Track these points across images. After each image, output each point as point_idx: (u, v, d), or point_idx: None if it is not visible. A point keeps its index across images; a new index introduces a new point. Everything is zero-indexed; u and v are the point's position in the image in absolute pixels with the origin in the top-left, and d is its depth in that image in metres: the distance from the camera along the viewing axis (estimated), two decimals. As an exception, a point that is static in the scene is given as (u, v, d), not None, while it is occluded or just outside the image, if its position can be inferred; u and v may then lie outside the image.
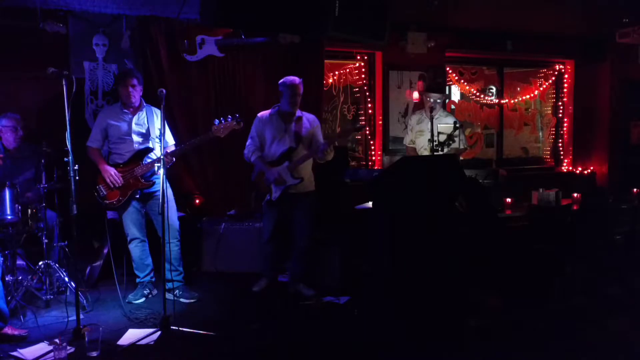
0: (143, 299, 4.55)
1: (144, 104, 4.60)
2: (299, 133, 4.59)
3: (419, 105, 6.40)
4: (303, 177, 4.54)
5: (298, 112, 4.64)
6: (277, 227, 4.72)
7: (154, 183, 4.46)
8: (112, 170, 4.39)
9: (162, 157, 4.03)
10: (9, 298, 4.03)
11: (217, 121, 4.32)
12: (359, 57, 6.68)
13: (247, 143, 4.68)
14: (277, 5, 4.24)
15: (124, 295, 4.45)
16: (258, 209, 5.06)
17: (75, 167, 3.74)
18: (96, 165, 4.45)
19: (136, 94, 4.49)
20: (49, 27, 5.07)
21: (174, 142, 4.68)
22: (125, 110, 4.53)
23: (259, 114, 4.72)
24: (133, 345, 3.60)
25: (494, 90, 7.81)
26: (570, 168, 8.10)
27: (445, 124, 5.20)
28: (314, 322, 4.11)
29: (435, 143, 4.92)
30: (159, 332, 3.77)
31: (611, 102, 7.91)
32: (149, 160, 4.44)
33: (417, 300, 3.75)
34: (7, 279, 4.08)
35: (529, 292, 4.38)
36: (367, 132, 6.82)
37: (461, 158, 5.56)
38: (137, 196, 4.49)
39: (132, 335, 3.78)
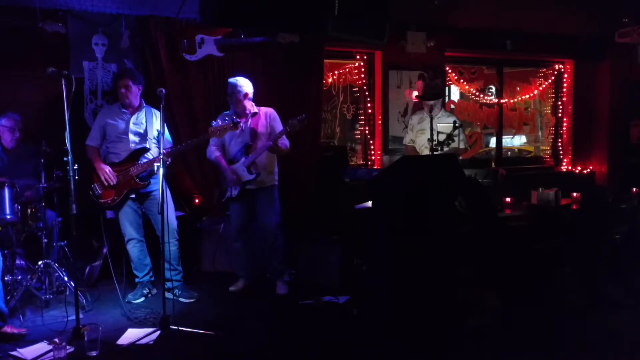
0: (142, 299, 4.56)
1: (144, 105, 4.59)
2: (255, 129, 4.67)
3: (420, 105, 6.40)
4: (259, 171, 4.61)
5: (254, 109, 4.74)
6: (244, 224, 4.79)
7: (149, 183, 4.45)
8: (107, 168, 4.39)
9: (161, 156, 4.02)
10: (8, 298, 4.03)
11: (214, 122, 4.35)
12: (358, 57, 6.68)
13: (208, 147, 4.79)
14: (277, 5, 4.24)
15: (123, 294, 4.44)
16: (220, 206, 5.15)
17: (75, 167, 3.74)
18: (92, 164, 4.45)
19: (130, 95, 4.47)
20: (48, 27, 5.07)
21: (170, 145, 4.65)
22: (124, 110, 4.53)
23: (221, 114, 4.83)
24: (132, 345, 3.61)
25: (493, 89, 7.81)
26: (570, 167, 8.10)
27: (445, 123, 5.21)
28: (313, 322, 4.11)
29: (434, 142, 4.92)
30: (158, 332, 3.78)
31: (611, 101, 7.90)
32: (144, 160, 4.43)
33: (417, 300, 3.74)
34: (6, 278, 4.08)
35: (528, 291, 4.38)
36: (367, 131, 6.82)
37: (461, 158, 5.55)
38: (133, 196, 4.48)
39: (131, 334, 3.78)
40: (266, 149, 4.57)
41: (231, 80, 4.72)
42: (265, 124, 4.72)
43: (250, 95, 4.71)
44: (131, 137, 4.49)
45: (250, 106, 4.74)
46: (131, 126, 4.50)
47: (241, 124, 4.62)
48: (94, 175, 4.43)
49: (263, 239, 4.80)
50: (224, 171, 4.65)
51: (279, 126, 4.72)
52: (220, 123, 4.40)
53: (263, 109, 4.80)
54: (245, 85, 4.67)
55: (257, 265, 4.94)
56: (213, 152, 4.74)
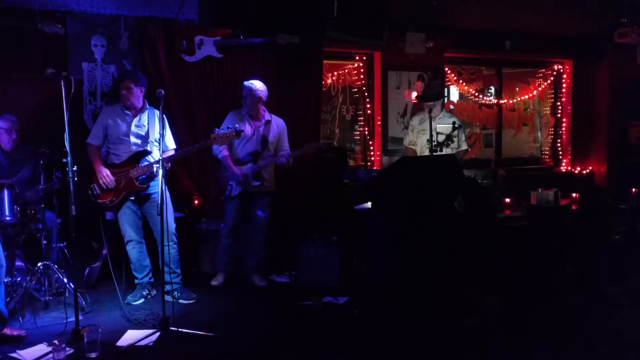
0: (142, 300, 4.55)
1: (147, 107, 4.56)
2: (266, 137, 4.82)
3: (420, 106, 6.40)
4: (264, 180, 4.78)
5: (267, 116, 4.88)
6: (237, 222, 4.91)
7: (148, 186, 4.44)
8: (106, 172, 4.36)
9: (161, 158, 4.00)
10: (8, 299, 4.02)
11: (216, 130, 4.34)
12: (357, 58, 6.68)
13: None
14: (276, 6, 4.25)
15: (123, 296, 4.44)
16: (217, 203, 5.19)
17: (74, 168, 3.72)
18: (92, 164, 4.43)
19: (132, 97, 4.45)
20: (47, 28, 5.06)
21: (174, 147, 4.63)
22: (127, 112, 4.51)
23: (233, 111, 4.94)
24: (132, 347, 3.60)
25: (492, 90, 7.81)
26: (569, 168, 8.11)
27: (447, 124, 5.22)
28: (313, 322, 4.11)
29: (434, 143, 4.92)
30: (158, 333, 3.77)
31: (610, 102, 7.92)
32: (145, 163, 4.42)
33: (416, 300, 3.74)
34: (5, 280, 4.07)
35: (528, 291, 4.38)
36: (366, 132, 6.82)
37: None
38: (132, 198, 4.47)
39: (131, 336, 3.77)
40: (277, 164, 4.78)
41: (247, 83, 4.80)
42: (276, 134, 4.88)
43: (265, 99, 4.83)
44: (132, 139, 4.47)
45: (263, 111, 4.86)
46: (133, 128, 4.48)
47: (254, 127, 4.77)
48: (93, 176, 4.42)
49: (251, 237, 4.95)
50: (232, 172, 4.73)
51: (286, 140, 4.95)
52: (223, 130, 4.38)
53: (275, 118, 4.93)
54: (261, 89, 4.80)
55: (237, 262, 5.07)
56: (221, 151, 4.81)
